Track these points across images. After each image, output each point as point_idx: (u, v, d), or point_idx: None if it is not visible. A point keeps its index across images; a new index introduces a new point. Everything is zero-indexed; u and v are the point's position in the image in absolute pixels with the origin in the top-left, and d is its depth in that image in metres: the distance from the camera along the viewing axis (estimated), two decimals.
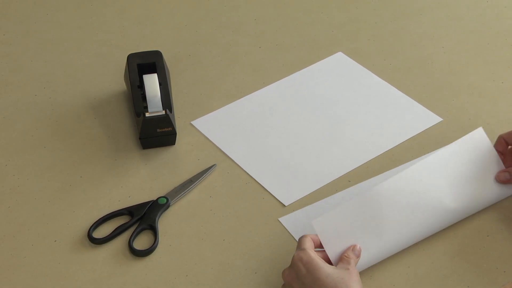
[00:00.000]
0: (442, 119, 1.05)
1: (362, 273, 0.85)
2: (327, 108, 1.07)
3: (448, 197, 0.89)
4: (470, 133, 0.93)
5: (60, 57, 1.17)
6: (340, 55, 1.16)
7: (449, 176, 0.91)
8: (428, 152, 1.00)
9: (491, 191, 0.92)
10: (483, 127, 1.03)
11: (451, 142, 1.00)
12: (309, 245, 0.81)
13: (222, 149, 1.01)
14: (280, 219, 0.92)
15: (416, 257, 0.88)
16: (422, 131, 1.03)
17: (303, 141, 1.02)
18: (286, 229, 0.91)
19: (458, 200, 0.90)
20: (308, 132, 1.04)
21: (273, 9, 1.26)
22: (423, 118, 1.05)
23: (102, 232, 0.91)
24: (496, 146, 0.95)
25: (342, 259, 0.81)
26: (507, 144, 0.94)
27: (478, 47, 1.18)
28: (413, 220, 0.87)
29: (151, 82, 1.00)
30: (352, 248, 0.83)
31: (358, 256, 0.82)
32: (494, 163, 0.93)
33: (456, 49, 1.17)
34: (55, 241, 0.90)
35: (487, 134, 1.01)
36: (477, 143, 0.94)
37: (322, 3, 1.27)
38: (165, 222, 0.92)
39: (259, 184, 0.96)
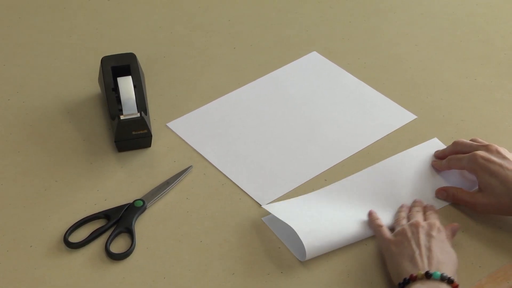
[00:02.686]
0: (416, 117, 1.06)
1: (339, 272, 0.86)
2: (302, 108, 1.08)
3: (401, 194, 0.94)
4: (426, 141, 1.01)
5: (34, 61, 1.16)
6: (314, 55, 1.17)
7: (403, 175, 0.96)
8: (402, 150, 1.00)
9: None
10: (457, 124, 1.05)
11: (426, 139, 1.02)
12: None
13: (198, 151, 1.01)
14: (263, 218, 0.92)
15: None
16: (397, 129, 1.04)
17: (278, 141, 1.03)
18: (263, 230, 0.91)
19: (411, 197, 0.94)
20: (284, 131, 1.04)
21: (247, 9, 1.26)
22: (398, 116, 1.06)
23: (78, 236, 0.90)
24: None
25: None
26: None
27: (451, 45, 1.19)
28: (363, 214, 0.91)
29: (126, 84, 1.00)
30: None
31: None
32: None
33: (429, 47, 1.18)
34: (31, 246, 0.89)
35: (461, 130, 1.03)
36: (433, 147, 1.00)
37: (296, 3, 1.27)
38: (141, 225, 0.92)
39: (236, 184, 0.96)
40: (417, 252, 0.81)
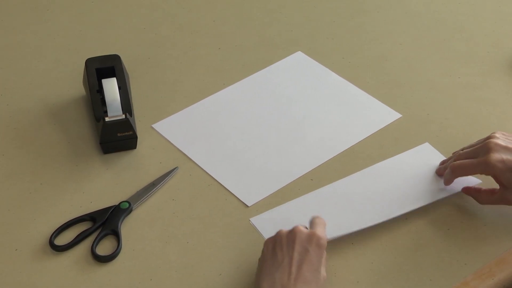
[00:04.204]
0: (401, 115, 1.06)
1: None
2: (287, 108, 1.08)
3: (390, 195, 0.94)
4: (418, 146, 1.00)
5: (17, 63, 1.15)
6: (299, 54, 1.17)
7: (395, 181, 0.96)
8: (388, 148, 1.01)
9: (432, 191, 0.94)
10: (441, 122, 1.05)
11: (411, 137, 1.03)
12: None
13: (184, 152, 1.01)
14: (251, 219, 0.92)
15: (379, 253, 0.88)
16: (382, 128, 1.04)
17: (264, 141, 1.03)
18: (250, 230, 0.91)
19: (400, 197, 0.94)
20: (270, 132, 1.04)
21: (232, 10, 1.26)
22: (383, 115, 1.06)
23: (64, 239, 0.90)
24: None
25: None
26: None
27: (435, 43, 1.19)
28: (352, 212, 0.92)
29: (110, 86, 0.99)
30: None
31: None
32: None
33: (413, 46, 1.19)
34: (16, 250, 0.89)
35: (445, 128, 1.04)
36: (427, 153, 0.99)
37: (280, 3, 1.27)
38: (128, 227, 0.91)
39: (222, 185, 0.96)
40: (286, 271, 0.78)
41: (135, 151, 1.01)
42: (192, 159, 1.00)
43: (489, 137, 0.89)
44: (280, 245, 0.81)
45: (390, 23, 1.23)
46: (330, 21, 1.24)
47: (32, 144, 1.02)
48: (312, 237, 0.81)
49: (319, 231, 0.82)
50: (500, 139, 0.88)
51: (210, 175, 0.98)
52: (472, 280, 0.85)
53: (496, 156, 0.86)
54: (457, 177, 0.92)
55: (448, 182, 0.93)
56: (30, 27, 1.22)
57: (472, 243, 0.89)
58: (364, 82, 1.12)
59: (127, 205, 0.93)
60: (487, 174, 0.89)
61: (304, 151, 1.01)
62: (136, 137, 0.99)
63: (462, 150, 0.93)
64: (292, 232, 0.82)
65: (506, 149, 0.86)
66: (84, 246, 0.89)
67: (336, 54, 1.17)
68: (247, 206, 0.94)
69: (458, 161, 0.90)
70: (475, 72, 1.14)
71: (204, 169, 0.98)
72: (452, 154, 0.96)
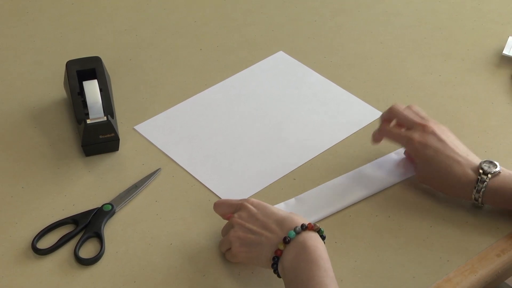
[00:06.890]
0: None
1: None
2: (270, 108, 1.08)
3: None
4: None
5: None
6: (281, 54, 1.17)
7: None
8: (370, 147, 1.01)
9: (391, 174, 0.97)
10: None
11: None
12: None
13: (166, 153, 1.01)
14: None
15: (362, 251, 0.89)
16: (364, 127, 1.05)
17: (247, 141, 1.03)
18: None
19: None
20: (252, 132, 1.04)
21: (213, 11, 1.26)
22: (365, 114, 1.07)
23: (46, 242, 0.89)
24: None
25: None
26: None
27: (415, 42, 1.20)
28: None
29: (91, 88, 0.99)
30: None
31: None
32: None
33: (394, 44, 1.19)
34: None
35: None
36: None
37: (261, 3, 1.27)
38: (111, 229, 0.91)
39: (205, 186, 0.96)
40: (262, 238, 0.82)
41: (117, 153, 1.01)
42: (175, 160, 1.00)
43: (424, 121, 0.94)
44: (244, 235, 0.83)
45: (371, 22, 1.24)
46: (311, 20, 1.24)
47: (13, 147, 1.01)
48: (244, 207, 0.85)
49: (236, 202, 0.87)
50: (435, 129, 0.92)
51: (193, 176, 0.97)
52: (454, 277, 0.86)
53: (419, 138, 0.92)
54: (384, 137, 0.97)
55: (375, 140, 0.98)
56: (9, 30, 1.21)
57: (454, 240, 0.90)
58: (346, 81, 1.12)
59: (110, 207, 0.92)
60: (407, 149, 0.95)
61: (287, 151, 1.01)
62: (118, 139, 0.99)
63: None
64: (236, 222, 0.85)
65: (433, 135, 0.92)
66: (67, 249, 0.89)
67: (318, 54, 1.17)
68: None
69: (390, 127, 0.96)
70: (455, 70, 1.15)
71: (187, 170, 0.98)
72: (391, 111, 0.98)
